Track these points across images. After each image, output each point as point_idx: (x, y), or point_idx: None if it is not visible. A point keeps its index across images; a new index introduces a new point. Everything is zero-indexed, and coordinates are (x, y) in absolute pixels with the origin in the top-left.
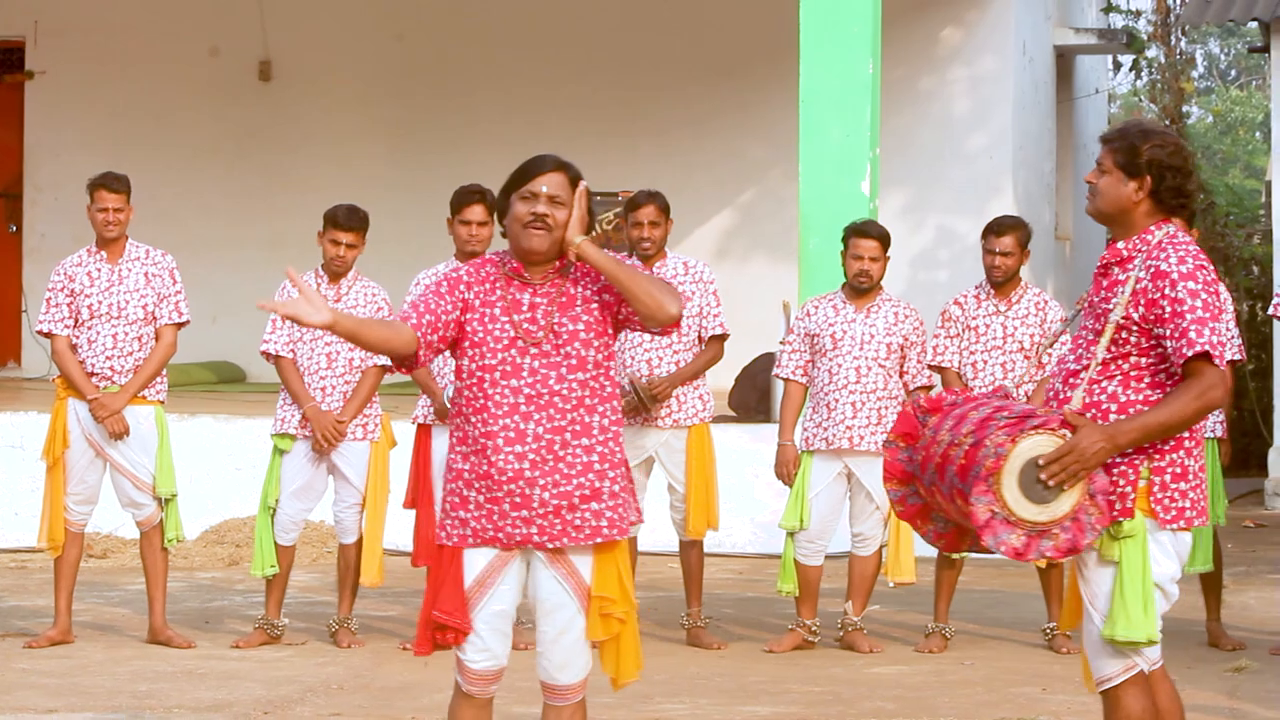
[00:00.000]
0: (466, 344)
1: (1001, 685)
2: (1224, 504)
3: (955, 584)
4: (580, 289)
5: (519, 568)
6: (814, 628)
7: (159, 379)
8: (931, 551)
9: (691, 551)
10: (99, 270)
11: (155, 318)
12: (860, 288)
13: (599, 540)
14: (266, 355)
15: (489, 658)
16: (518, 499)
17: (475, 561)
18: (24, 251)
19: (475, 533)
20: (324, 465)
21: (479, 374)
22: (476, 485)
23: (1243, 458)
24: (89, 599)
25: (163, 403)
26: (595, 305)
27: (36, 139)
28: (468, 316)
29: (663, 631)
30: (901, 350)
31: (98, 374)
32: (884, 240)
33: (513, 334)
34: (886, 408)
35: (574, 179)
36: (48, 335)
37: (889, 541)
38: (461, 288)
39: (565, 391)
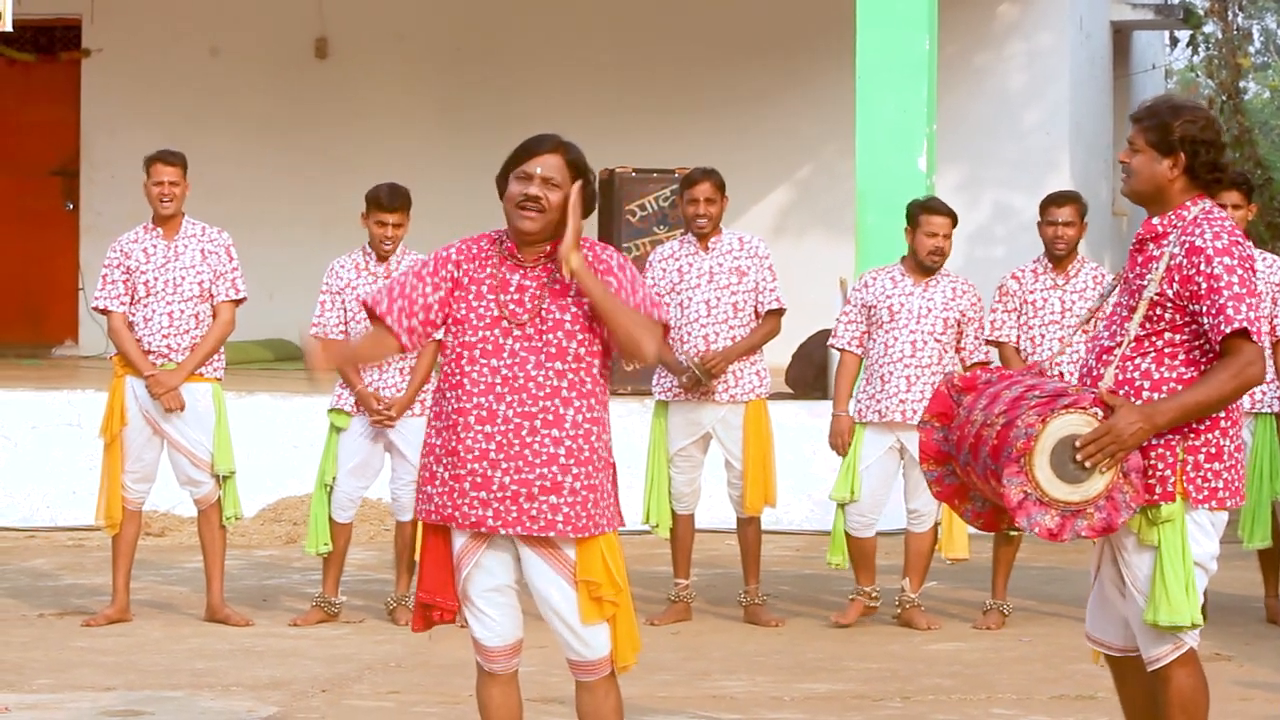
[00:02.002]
0: (450, 321)
1: (1060, 662)
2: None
3: (1013, 560)
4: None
5: (505, 546)
6: (874, 593)
7: (217, 356)
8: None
9: (749, 528)
10: (155, 247)
11: (212, 295)
12: (933, 266)
13: (551, 535)
14: (317, 339)
15: (497, 634)
16: (479, 479)
17: (455, 541)
18: (81, 229)
19: (437, 509)
20: (381, 442)
21: (459, 350)
22: (444, 461)
23: None
24: (146, 577)
25: (220, 380)
26: (588, 299)
27: (93, 116)
28: (456, 294)
29: (720, 609)
30: (959, 325)
31: (154, 351)
32: (953, 217)
33: (496, 313)
34: None
35: (572, 162)
36: (104, 312)
37: (943, 518)
38: (450, 267)
39: (541, 378)
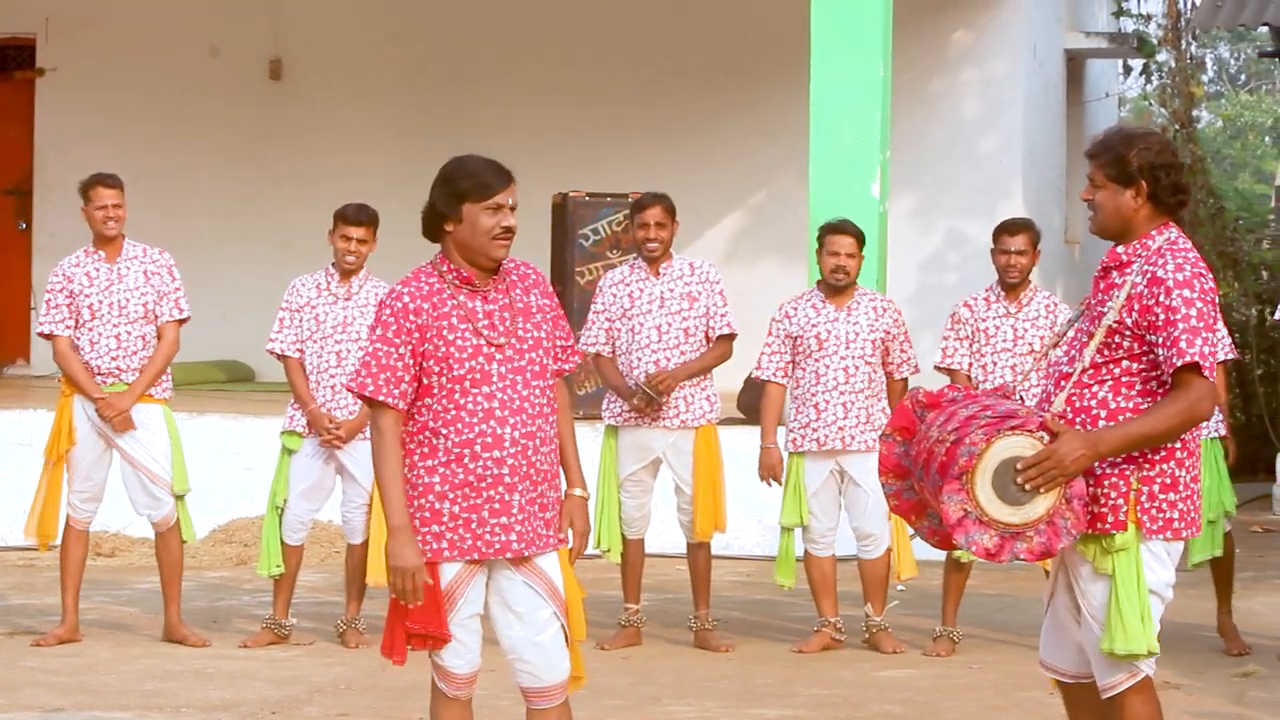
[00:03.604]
0: (430, 361)
1: (1010, 689)
2: (1231, 496)
3: (964, 587)
4: (533, 298)
5: (483, 573)
6: (839, 625)
7: (165, 377)
8: (937, 554)
9: (699, 553)
10: (98, 270)
11: (156, 316)
12: (837, 285)
13: (563, 546)
14: (273, 354)
15: (469, 662)
16: (496, 505)
17: (445, 572)
18: (34, 249)
19: (452, 544)
20: (332, 465)
21: (449, 386)
22: (451, 496)
23: (1251, 462)
24: (97, 598)
25: (169, 400)
26: (549, 318)
27: (46, 136)
28: (427, 336)
29: (670, 634)
30: (884, 345)
31: (104, 373)
32: (859, 238)
33: (475, 342)
34: (874, 404)
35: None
36: (49, 337)
37: (895, 538)
38: (410, 317)
39: (532, 397)
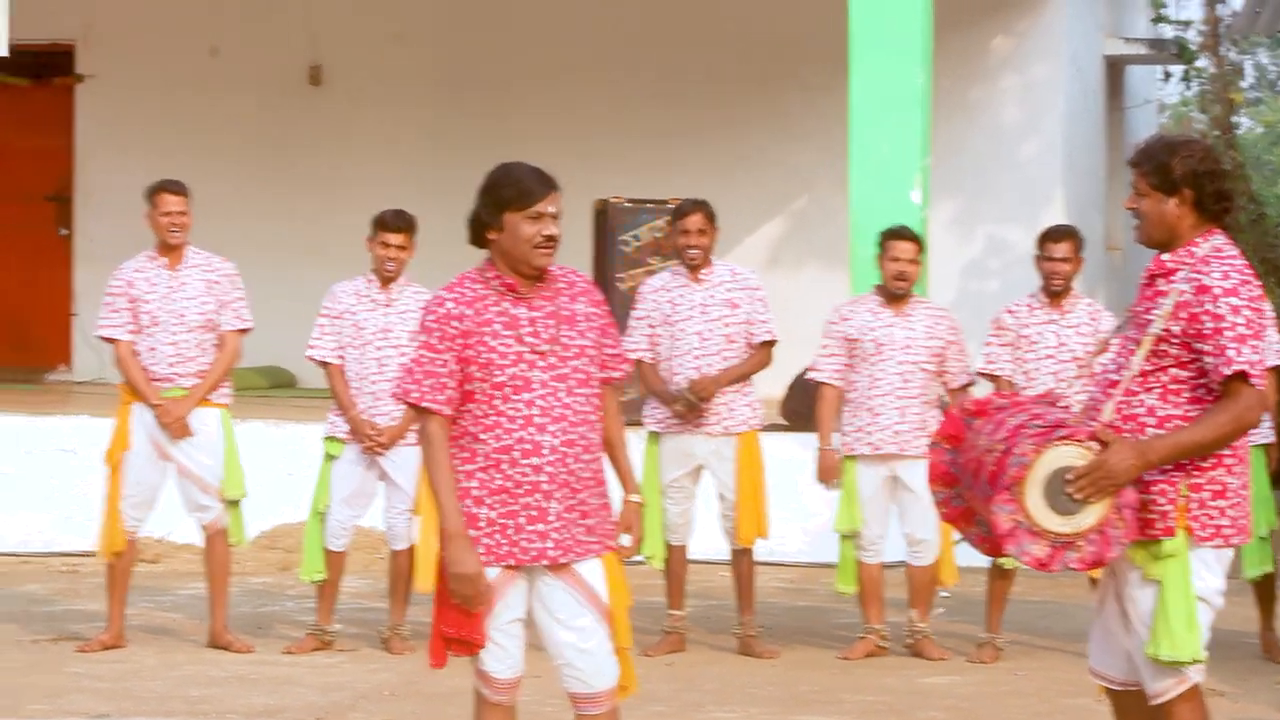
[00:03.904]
0: (473, 367)
1: (1053, 696)
2: (1271, 513)
3: (1007, 594)
4: (580, 306)
5: (525, 578)
6: (884, 633)
7: (224, 383)
8: (982, 561)
9: (742, 560)
10: (159, 276)
11: (216, 324)
12: (897, 292)
13: (604, 554)
14: (314, 361)
15: (511, 666)
16: (534, 512)
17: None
18: (74, 255)
19: (488, 549)
20: (375, 471)
21: (490, 392)
22: (488, 501)
23: None
24: (142, 604)
25: (228, 406)
26: (596, 326)
27: (87, 142)
28: (470, 341)
29: (714, 640)
30: (941, 353)
31: (160, 379)
32: (919, 243)
33: (518, 349)
34: (928, 411)
35: (560, 190)
36: (110, 340)
37: (943, 544)
38: (453, 323)
39: (576, 406)
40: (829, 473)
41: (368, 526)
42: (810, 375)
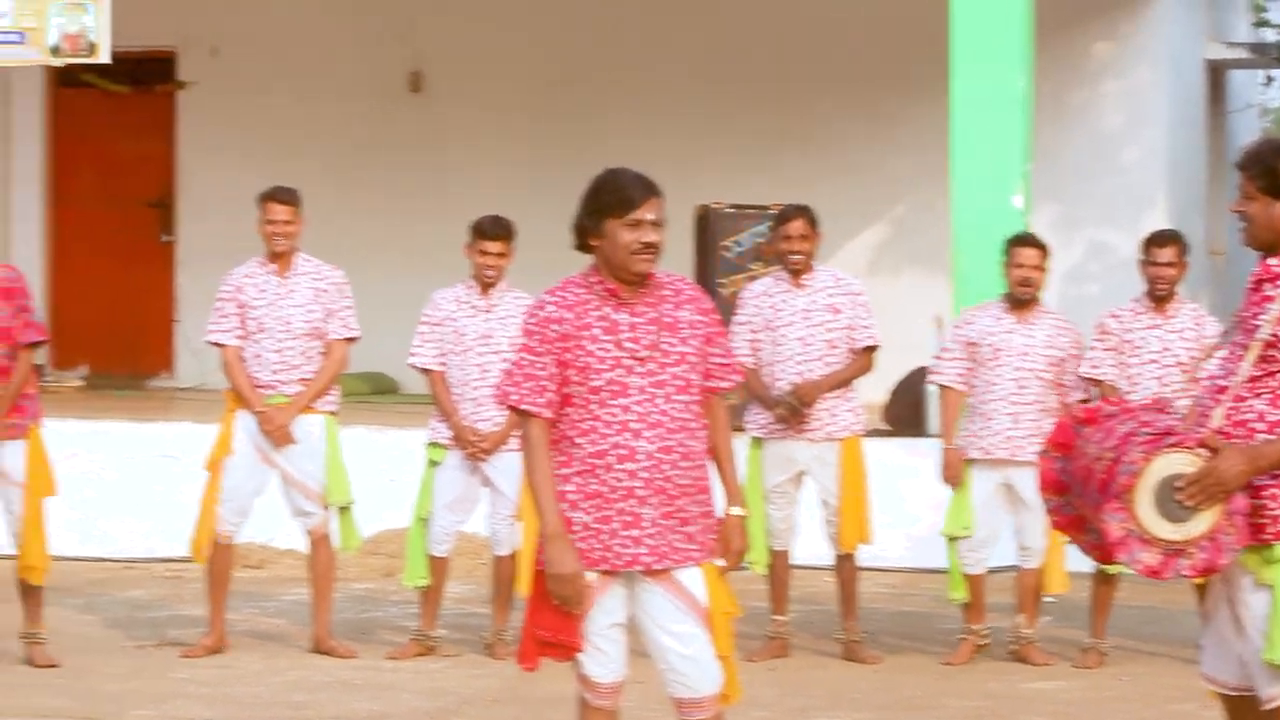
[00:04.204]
0: (571, 371)
1: (1159, 701)
2: None
3: (1112, 599)
4: (684, 313)
5: (623, 583)
6: (984, 632)
7: (330, 390)
8: (1086, 566)
9: (845, 565)
10: (268, 283)
11: (322, 332)
12: (1022, 298)
13: (695, 563)
14: (416, 368)
15: (612, 671)
16: (628, 518)
17: None
18: (176, 261)
19: (582, 554)
20: (477, 477)
21: (587, 396)
22: (584, 506)
23: None
24: (245, 609)
25: (334, 413)
26: (700, 334)
27: (188, 149)
28: (569, 345)
29: (818, 645)
30: (1061, 364)
31: (264, 385)
32: (1044, 250)
33: (616, 354)
34: (1044, 420)
35: (662, 196)
36: (218, 345)
37: (1049, 552)
38: (554, 326)
39: (673, 412)
40: (954, 471)
41: (471, 532)
42: (932, 378)
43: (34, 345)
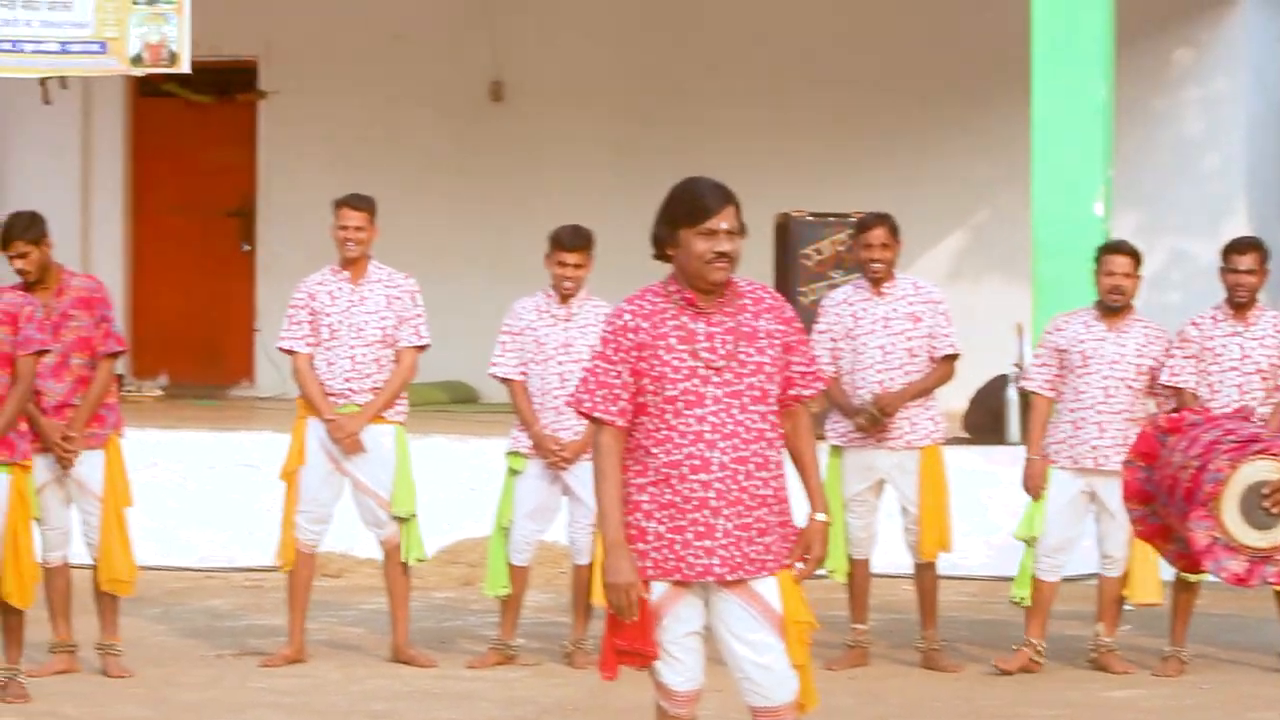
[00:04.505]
0: (646, 380)
1: (1239, 710)
2: None
3: (1192, 607)
4: (763, 323)
5: (699, 592)
6: (1040, 648)
7: (399, 399)
8: (1166, 573)
9: (925, 573)
10: (340, 290)
11: (394, 340)
12: (1113, 305)
13: (772, 574)
14: (496, 378)
15: (688, 679)
16: (701, 528)
17: (653, 590)
18: (257, 270)
19: (655, 564)
20: (558, 486)
21: (662, 406)
22: (657, 516)
23: None
24: (324, 618)
25: (403, 423)
26: (778, 343)
27: (269, 158)
28: (644, 354)
29: (897, 654)
30: (1150, 373)
31: (335, 394)
32: (1136, 258)
33: (692, 364)
34: (1131, 428)
35: (739, 207)
36: (289, 352)
37: (1131, 561)
38: (629, 335)
39: (749, 422)
40: (1035, 481)
41: (551, 541)
42: (1021, 384)
43: (114, 355)
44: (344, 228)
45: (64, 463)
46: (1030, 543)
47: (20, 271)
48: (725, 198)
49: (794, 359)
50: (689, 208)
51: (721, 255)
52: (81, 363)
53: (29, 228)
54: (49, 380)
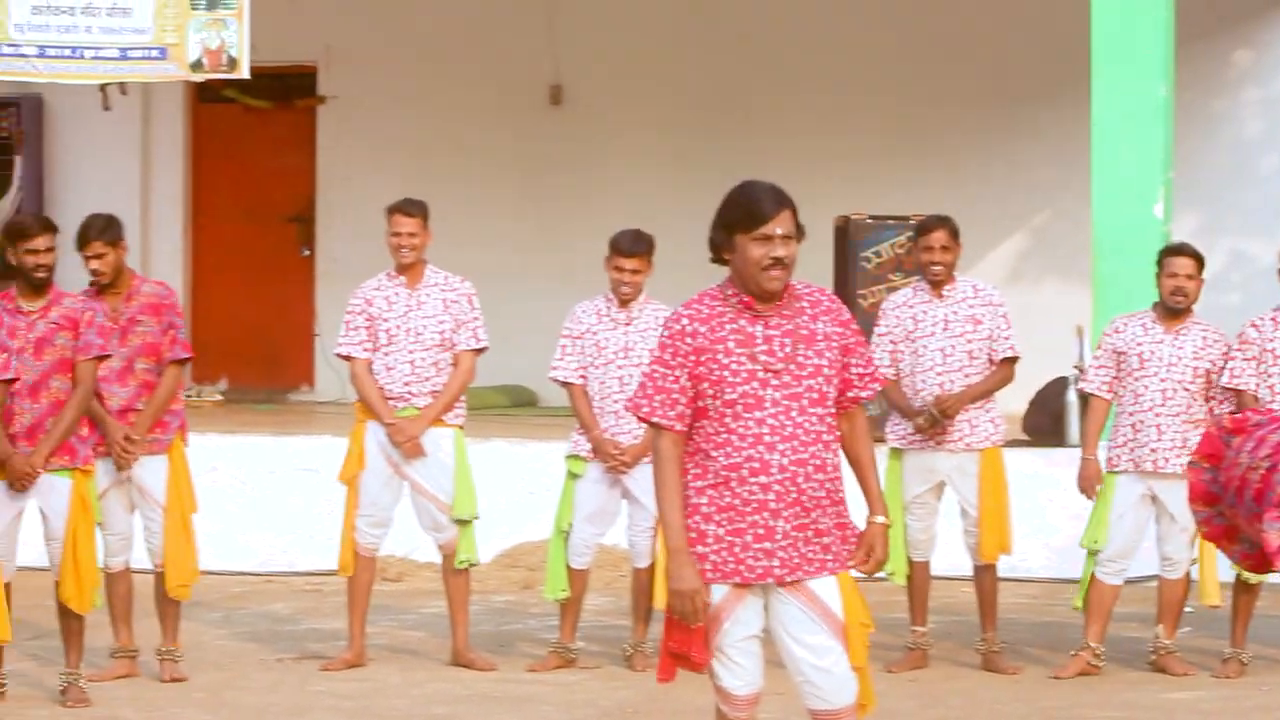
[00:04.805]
0: (705, 384)
1: None
2: None
3: (1253, 609)
4: (821, 325)
5: (758, 595)
6: (1099, 652)
7: (458, 403)
8: (1225, 575)
9: (985, 575)
10: (397, 295)
11: (452, 344)
12: (1175, 307)
13: (831, 575)
14: (557, 382)
15: (746, 683)
16: (760, 530)
17: (712, 594)
18: (317, 275)
19: (715, 566)
20: (618, 489)
21: (721, 409)
22: (717, 519)
23: None
24: (384, 622)
25: (462, 426)
26: (836, 346)
27: (329, 163)
28: (703, 358)
29: (958, 656)
30: (1208, 375)
31: (395, 398)
32: (1198, 260)
33: (751, 367)
34: (1191, 430)
35: (795, 211)
36: (346, 358)
37: (1197, 563)
38: (687, 339)
39: (807, 425)
40: (1089, 482)
41: (610, 544)
42: (1080, 386)
43: (180, 362)
44: (397, 234)
45: (120, 464)
46: (1095, 553)
47: (94, 272)
48: (781, 202)
49: (851, 361)
50: (744, 213)
51: (777, 261)
52: (146, 368)
53: (106, 229)
54: (113, 384)
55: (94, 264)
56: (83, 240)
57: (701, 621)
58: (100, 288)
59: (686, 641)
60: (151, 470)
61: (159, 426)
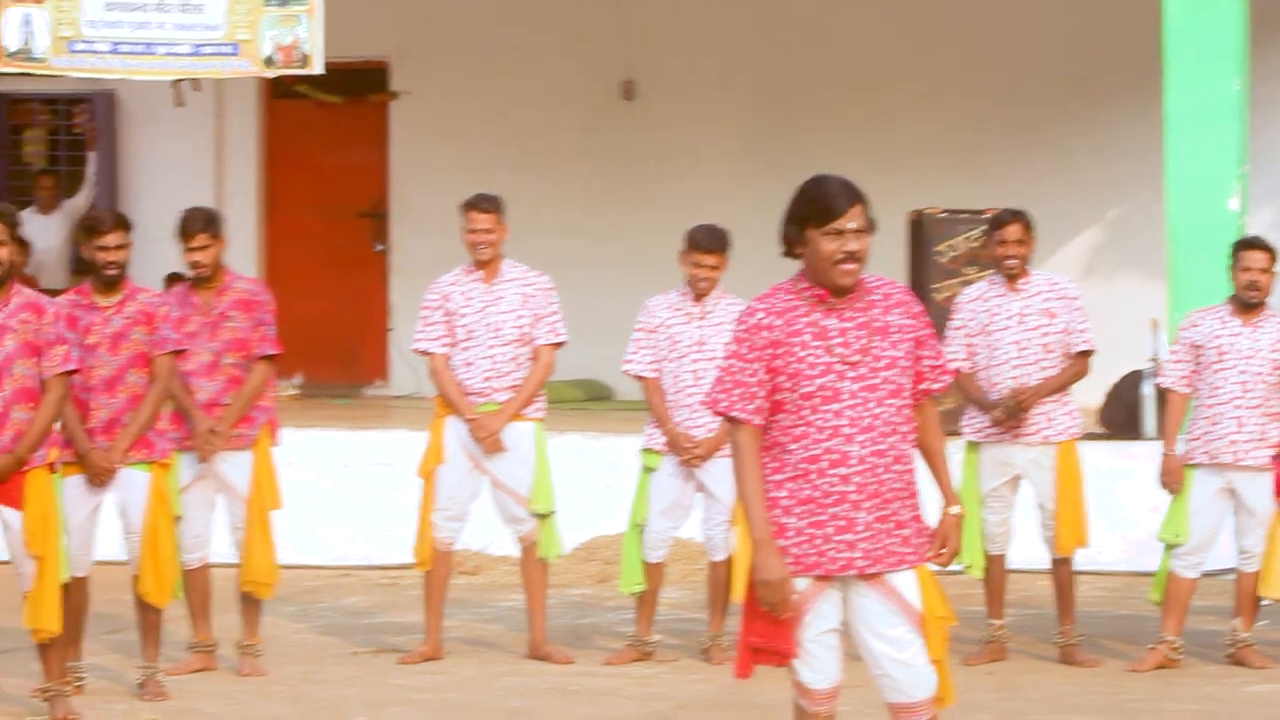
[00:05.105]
0: (782, 377)
1: None
2: None
3: None
4: (894, 317)
5: (837, 588)
6: (1177, 645)
7: (538, 397)
8: None
9: (1062, 569)
10: (474, 290)
11: (531, 338)
12: (1250, 301)
13: (909, 566)
14: (630, 375)
15: (826, 677)
16: (841, 522)
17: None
18: (390, 270)
19: (796, 559)
20: (692, 483)
21: (799, 402)
22: (796, 511)
23: None
24: (461, 615)
25: (542, 420)
26: (909, 338)
27: (401, 158)
28: (779, 352)
29: (1035, 649)
30: None
31: (475, 393)
32: (1272, 253)
33: (827, 359)
34: (1269, 423)
35: (867, 205)
36: (425, 354)
37: (1267, 556)
38: (763, 334)
39: (885, 416)
40: (1172, 478)
41: (686, 538)
42: (1157, 380)
43: (269, 358)
44: (473, 230)
45: (203, 455)
46: (1172, 547)
47: (195, 264)
48: (853, 197)
49: (923, 353)
50: (816, 207)
51: (849, 255)
52: (233, 363)
53: (210, 222)
54: (201, 378)
55: (196, 255)
56: (187, 232)
57: (789, 613)
58: (195, 281)
59: (771, 633)
60: (236, 465)
61: (245, 421)
